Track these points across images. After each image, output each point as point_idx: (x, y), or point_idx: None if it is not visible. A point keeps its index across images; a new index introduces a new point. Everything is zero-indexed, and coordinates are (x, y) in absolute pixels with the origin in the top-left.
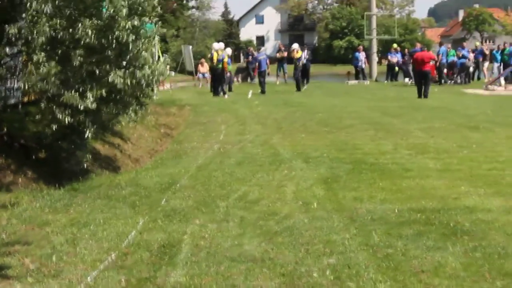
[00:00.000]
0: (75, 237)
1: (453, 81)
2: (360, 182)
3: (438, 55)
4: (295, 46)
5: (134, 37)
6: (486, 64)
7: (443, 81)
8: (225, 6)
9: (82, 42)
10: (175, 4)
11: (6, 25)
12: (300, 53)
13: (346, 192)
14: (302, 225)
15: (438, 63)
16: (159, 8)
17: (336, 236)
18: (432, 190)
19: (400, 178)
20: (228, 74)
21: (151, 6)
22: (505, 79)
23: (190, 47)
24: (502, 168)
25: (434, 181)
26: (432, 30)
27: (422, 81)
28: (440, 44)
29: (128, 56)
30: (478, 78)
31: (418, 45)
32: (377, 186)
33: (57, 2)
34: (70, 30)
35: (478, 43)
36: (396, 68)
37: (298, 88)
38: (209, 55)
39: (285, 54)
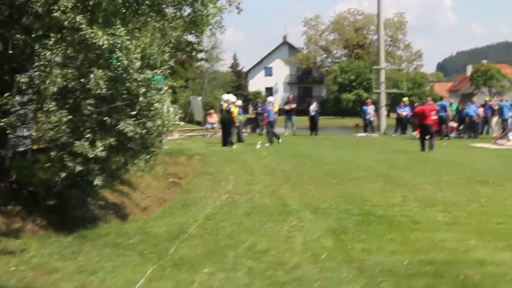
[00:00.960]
0: (84, 285)
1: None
2: (368, 234)
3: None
4: (271, 99)
5: (145, 89)
6: (495, 119)
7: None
8: (234, 58)
9: (93, 92)
10: (184, 56)
11: (17, 75)
12: (277, 107)
13: (355, 244)
14: (311, 275)
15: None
16: (171, 61)
17: (345, 287)
18: (441, 242)
19: (409, 230)
20: (238, 124)
21: (162, 59)
22: None
23: (200, 98)
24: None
25: (443, 234)
26: (440, 84)
27: (426, 134)
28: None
29: (139, 107)
30: (487, 133)
31: (429, 99)
32: (386, 238)
33: (68, 52)
34: (82, 80)
35: (488, 98)
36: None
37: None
38: (219, 106)
39: (294, 105)
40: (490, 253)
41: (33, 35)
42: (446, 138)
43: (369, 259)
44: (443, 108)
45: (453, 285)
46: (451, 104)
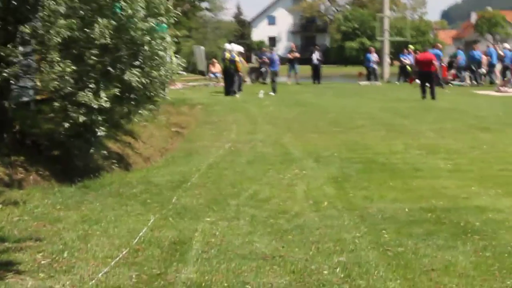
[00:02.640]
0: (87, 234)
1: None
2: (370, 182)
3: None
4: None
5: (149, 37)
6: (499, 66)
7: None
8: (237, 7)
9: (97, 42)
10: (187, 5)
11: (20, 25)
12: (229, 55)
13: (357, 191)
14: (313, 223)
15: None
16: (176, 9)
17: (346, 235)
18: (443, 190)
19: (411, 178)
20: (241, 74)
21: (165, 8)
22: None
23: (203, 47)
24: None
25: (444, 181)
26: (444, 32)
27: (426, 82)
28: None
29: (143, 56)
30: (491, 82)
31: (439, 46)
32: (388, 186)
33: (72, 1)
34: (86, 30)
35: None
36: (409, 68)
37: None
38: (222, 55)
39: (297, 54)
40: (490, 199)
41: None
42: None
43: (371, 207)
44: (438, 57)
45: (454, 231)
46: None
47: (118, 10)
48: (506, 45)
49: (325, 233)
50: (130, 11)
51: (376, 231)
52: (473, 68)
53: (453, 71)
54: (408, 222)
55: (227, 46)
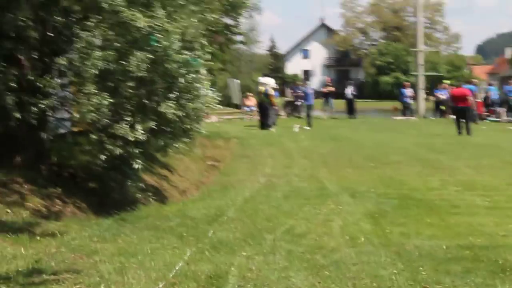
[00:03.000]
0: (123, 267)
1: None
2: (407, 218)
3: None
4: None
5: (184, 70)
6: None
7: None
8: (271, 40)
9: (133, 74)
10: (222, 39)
11: (56, 57)
12: (263, 89)
13: (393, 228)
14: (349, 259)
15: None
16: (211, 45)
17: (383, 271)
18: (480, 227)
19: (448, 214)
20: (276, 107)
21: (201, 43)
22: None
23: (237, 80)
24: None
25: (482, 218)
26: (479, 67)
27: (461, 118)
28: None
29: (178, 89)
30: None
31: (475, 81)
32: (425, 222)
33: (107, 34)
34: (122, 62)
35: None
36: (442, 107)
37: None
38: (256, 89)
39: (333, 88)
40: None
41: (72, 18)
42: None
43: (408, 243)
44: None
45: (492, 269)
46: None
47: (153, 43)
48: None
49: (362, 269)
50: (165, 43)
51: (413, 268)
52: (510, 103)
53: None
54: (445, 260)
55: (261, 79)
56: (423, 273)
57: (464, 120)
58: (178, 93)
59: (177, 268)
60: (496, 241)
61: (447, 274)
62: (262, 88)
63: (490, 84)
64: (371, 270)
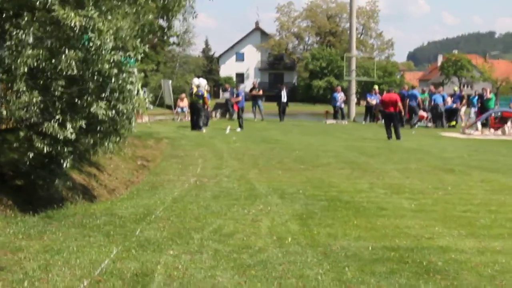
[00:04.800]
0: (48, 264)
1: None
2: (334, 219)
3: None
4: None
5: (117, 70)
6: (464, 108)
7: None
8: (206, 43)
9: (64, 73)
10: (156, 40)
11: None
12: (195, 90)
13: (321, 229)
14: (276, 259)
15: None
16: (143, 47)
17: (309, 271)
18: (406, 229)
19: (375, 216)
20: (208, 109)
21: (134, 44)
22: (482, 124)
23: (170, 81)
24: (476, 211)
25: (408, 221)
26: (411, 73)
27: (391, 123)
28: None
29: (110, 89)
30: (456, 122)
31: (406, 87)
32: (352, 224)
33: (39, 32)
34: (53, 60)
35: (456, 88)
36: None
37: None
38: (189, 90)
39: (260, 92)
40: (453, 240)
41: (4, 15)
42: (416, 127)
43: (334, 244)
44: (414, 97)
45: (416, 270)
46: (423, 92)
47: (86, 42)
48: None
49: (288, 269)
50: (98, 42)
51: (339, 268)
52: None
53: (422, 113)
54: (371, 261)
55: (195, 81)
56: (348, 273)
57: (393, 125)
58: (110, 93)
59: (102, 266)
60: (421, 243)
61: (372, 274)
62: (195, 89)
63: (413, 87)
64: (297, 270)
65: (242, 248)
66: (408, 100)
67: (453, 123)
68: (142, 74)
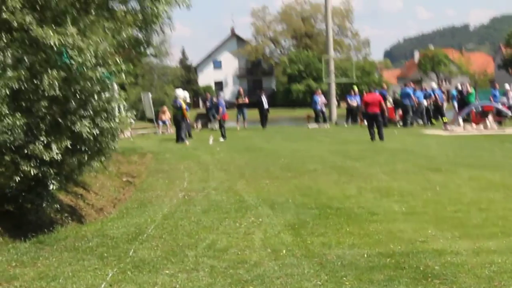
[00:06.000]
0: None
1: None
2: (327, 227)
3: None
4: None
5: (99, 87)
6: (445, 104)
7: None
8: (183, 52)
9: (47, 93)
10: (132, 52)
11: None
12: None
13: (314, 238)
14: (273, 272)
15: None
16: (127, 63)
17: (307, 283)
18: (399, 233)
19: (367, 222)
20: (188, 120)
21: (113, 60)
22: (464, 120)
23: (150, 94)
24: (467, 210)
25: (400, 225)
26: (388, 71)
27: (374, 123)
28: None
29: (93, 107)
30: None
31: (385, 86)
32: (345, 231)
33: (18, 52)
34: (34, 81)
35: (434, 84)
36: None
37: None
38: (172, 102)
39: (246, 100)
40: (448, 242)
41: None
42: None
43: (329, 253)
44: (408, 95)
45: (414, 276)
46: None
47: (66, 60)
48: (433, 84)
49: (286, 282)
50: (78, 60)
51: (337, 279)
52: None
53: (400, 112)
54: (368, 268)
55: (177, 92)
56: (346, 283)
57: (376, 125)
58: (93, 112)
59: None
60: (416, 247)
61: (370, 283)
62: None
63: (405, 85)
64: (295, 282)
65: (237, 263)
66: (401, 98)
67: (446, 119)
68: (122, 91)
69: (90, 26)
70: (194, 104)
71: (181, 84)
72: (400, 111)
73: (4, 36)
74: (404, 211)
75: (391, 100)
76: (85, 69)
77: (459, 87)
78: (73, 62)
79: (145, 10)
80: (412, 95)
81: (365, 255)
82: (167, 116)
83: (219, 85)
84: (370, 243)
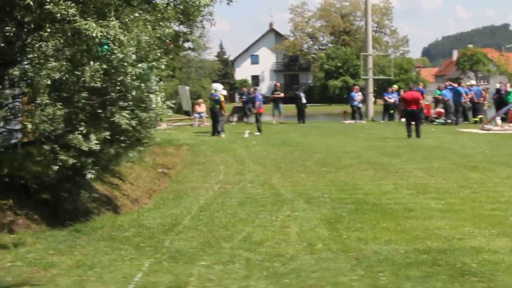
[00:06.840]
0: (82, 280)
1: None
2: (363, 223)
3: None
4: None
5: (139, 81)
6: (486, 103)
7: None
8: (221, 46)
9: (87, 85)
10: (171, 45)
11: (8, 67)
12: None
13: (350, 233)
14: (309, 266)
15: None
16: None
17: (343, 278)
18: (436, 230)
19: (403, 218)
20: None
21: (154, 55)
22: (502, 119)
23: (187, 87)
24: (505, 209)
25: (437, 222)
26: (426, 69)
27: (412, 120)
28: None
29: (132, 98)
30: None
31: (421, 85)
32: (381, 227)
33: (60, 43)
34: (76, 72)
35: (473, 81)
36: (392, 110)
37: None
38: (210, 95)
39: (282, 94)
40: (485, 240)
41: (25, 28)
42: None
43: (366, 248)
44: (459, 94)
45: (451, 273)
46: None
47: (106, 50)
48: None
49: (322, 277)
50: (120, 55)
51: (373, 274)
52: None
53: (438, 109)
54: (404, 264)
55: (214, 85)
56: (383, 278)
57: (414, 123)
58: (132, 103)
59: (136, 280)
60: (452, 245)
61: (407, 279)
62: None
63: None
64: (331, 277)
65: (273, 256)
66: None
67: (480, 117)
68: (161, 82)
69: (131, 19)
70: (230, 98)
71: (218, 78)
72: (439, 109)
73: (46, 27)
74: (441, 208)
75: (428, 97)
76: (126, 65)
77: (498, 86)
78: (114, 56)
79: (186, 3)
80: (463, 93)
81: (402, 251)
82: (202, 108)
83: (256, 80)
84: (406, 239)
